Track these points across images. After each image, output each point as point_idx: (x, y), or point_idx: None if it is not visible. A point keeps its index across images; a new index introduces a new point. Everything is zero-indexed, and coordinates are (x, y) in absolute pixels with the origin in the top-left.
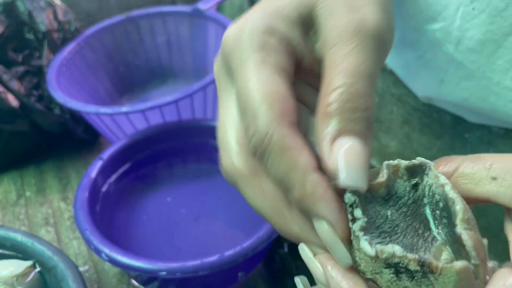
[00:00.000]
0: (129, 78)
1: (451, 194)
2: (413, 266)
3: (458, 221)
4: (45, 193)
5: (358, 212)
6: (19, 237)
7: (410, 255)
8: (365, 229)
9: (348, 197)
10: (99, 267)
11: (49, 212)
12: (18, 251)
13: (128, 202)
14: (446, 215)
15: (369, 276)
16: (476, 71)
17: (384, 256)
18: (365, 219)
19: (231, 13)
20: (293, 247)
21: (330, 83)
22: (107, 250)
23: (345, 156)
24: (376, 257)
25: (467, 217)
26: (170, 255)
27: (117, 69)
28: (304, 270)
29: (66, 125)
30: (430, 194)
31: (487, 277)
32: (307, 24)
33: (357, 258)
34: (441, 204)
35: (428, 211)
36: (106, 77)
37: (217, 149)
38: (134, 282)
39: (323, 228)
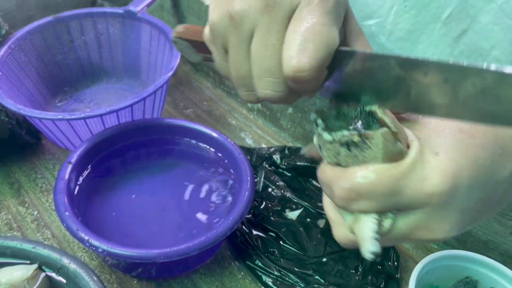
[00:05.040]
0: (60, 78)
1: (379, 112)
2: (356, 139)
3: (378, 113)
4: None
5: (319, 121)
6: (18, 244)
7: (353, 132)
8: (325, 130)
9: (312, 115)
10: None
11: (9, 218)
12: (21, 258)
13: (96, 201)
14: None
15: (334, 161)
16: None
17: (337, 138)
18: (324, 123)
19: (150, 9)
20: (252, 224)
21: None
22: (104, 246)
23: None
24: (333, 141)
25: (389, 115)
26: (147, 244)
27: (48, 70)
28: (262, 241)
29: (13, 130)
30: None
31: (408, 145)
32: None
33: (324, 152)
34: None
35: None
36: (38, 79)
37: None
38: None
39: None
